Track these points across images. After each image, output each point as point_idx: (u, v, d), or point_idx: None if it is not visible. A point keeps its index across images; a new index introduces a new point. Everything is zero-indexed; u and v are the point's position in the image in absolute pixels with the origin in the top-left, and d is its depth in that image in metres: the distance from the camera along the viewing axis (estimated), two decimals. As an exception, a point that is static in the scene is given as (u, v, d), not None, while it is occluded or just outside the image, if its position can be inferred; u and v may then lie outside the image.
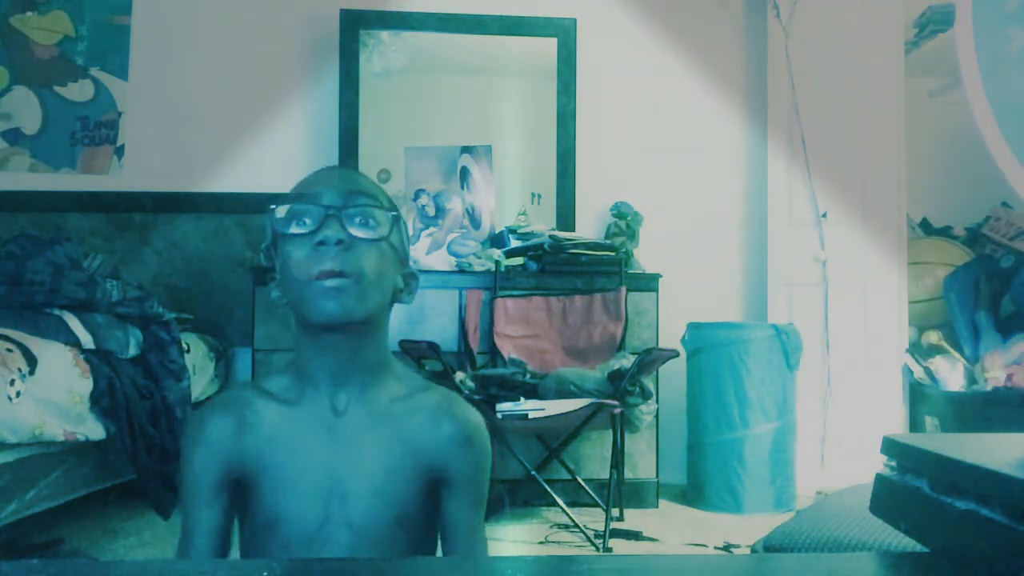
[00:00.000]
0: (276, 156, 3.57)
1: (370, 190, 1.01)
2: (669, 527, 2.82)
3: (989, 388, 3.05)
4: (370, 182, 1.05)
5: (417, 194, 3.57)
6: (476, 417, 1.05)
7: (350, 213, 0.97)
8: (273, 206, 0.99)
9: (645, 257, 3.46)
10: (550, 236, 3.22)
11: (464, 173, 3.60)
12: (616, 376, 2.74)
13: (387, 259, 1.00)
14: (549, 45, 3.64)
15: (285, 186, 1.06)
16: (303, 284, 0.96)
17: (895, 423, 3.31)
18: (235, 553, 1.02)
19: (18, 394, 1.97)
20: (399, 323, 3.02)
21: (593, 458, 3.14)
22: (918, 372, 3.28)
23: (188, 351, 2.81)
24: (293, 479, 0.97)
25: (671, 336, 3.23)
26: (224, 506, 0.99)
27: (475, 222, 3.56)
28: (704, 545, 2.56)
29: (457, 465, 1.01)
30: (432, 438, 1.01)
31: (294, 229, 0.97)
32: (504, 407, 2.63)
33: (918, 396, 3.33)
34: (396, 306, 1.05)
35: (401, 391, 1.03)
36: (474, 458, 1.03)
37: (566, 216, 3.58)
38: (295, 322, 1.01)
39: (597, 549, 2.51)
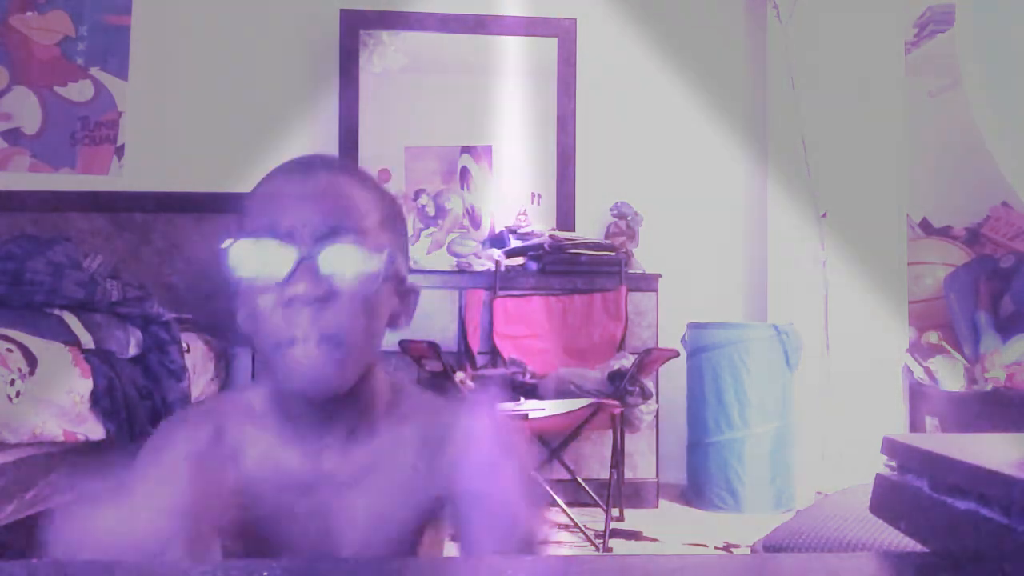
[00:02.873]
0: (276, 156, 3.53)
1: (358, 204, 0.81)
2: (669, 527, 2.82)
3: (989, 388, 3.05)
4: (358, 183, 0.84)
5: (417, 194, 3.57)
6: (484, 424, 0.82)
7: (331, 253, 0.77)
8: (225, 243, 0.79)
9: (645, 257, 3.46)
10: (550, 236, 3.23)
11: (464, 173, 3.60)
12: (616, 376, 2.74)
13: (380, 294, 0.80)
14: (549, 45, 3.64)
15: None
16: (268, 346, 0.78)
17: (895, 423, 3.31)
18: None
19: (18, 394, 1.96)
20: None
21: (593, 458, 3.13)
22: (918, 372, 3.28)
23: (188, 351, 2.81)
24: (281, 523, 0.85)
25: (671, 336, 3.23)
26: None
27: (475, 222, 3.57)
28: (704, 545, 2.56)
29: (466, 488, 0.80)
30: (432, 466, 0.85)
31: (255, 279, 0.78)
32: (504, 407, 2.63)
33: (918, 396, 3.33)
34: None
35: (395, 419, 0.88)
36: (487, 472, 0.80)
37: (566, 216, 3.58)
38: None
39: (597, 549, 2.51)
